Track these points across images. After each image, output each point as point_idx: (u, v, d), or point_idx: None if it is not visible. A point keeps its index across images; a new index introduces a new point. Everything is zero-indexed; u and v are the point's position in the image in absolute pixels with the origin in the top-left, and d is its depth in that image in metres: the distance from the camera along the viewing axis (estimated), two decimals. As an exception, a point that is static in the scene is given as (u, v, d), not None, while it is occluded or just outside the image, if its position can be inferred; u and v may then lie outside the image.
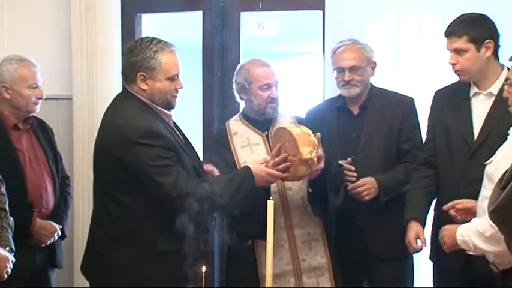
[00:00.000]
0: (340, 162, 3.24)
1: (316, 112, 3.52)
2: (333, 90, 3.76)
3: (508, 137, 2.57)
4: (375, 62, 3.43)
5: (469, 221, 2.66)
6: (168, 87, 2.81)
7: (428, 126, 3.23)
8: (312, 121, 3.33)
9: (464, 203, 2.81)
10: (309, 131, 2.91)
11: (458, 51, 2.94)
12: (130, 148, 2.68)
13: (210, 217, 3.05)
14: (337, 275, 3.25)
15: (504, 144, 2.56)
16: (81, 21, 4.03)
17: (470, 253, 2.63)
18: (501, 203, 1.75)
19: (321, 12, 3.91)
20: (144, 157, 2.68)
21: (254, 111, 3.29)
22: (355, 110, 3.42)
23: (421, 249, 3.09)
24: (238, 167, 3.16)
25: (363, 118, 3.38)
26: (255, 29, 4.74)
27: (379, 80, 3.55)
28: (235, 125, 3.33)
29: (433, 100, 3.23)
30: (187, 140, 2.99)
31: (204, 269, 2.22)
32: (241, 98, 3.33)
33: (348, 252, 3.34)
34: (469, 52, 2.92)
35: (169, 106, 2.87)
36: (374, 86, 3.46)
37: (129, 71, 2.82)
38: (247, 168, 2.89)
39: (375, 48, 3.54)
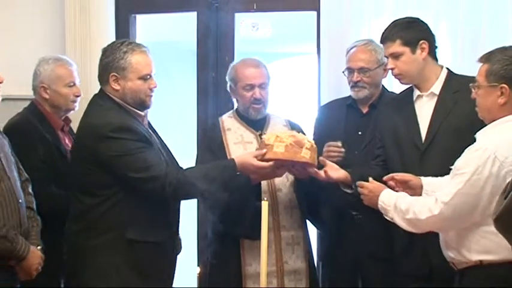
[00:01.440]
0: (329, 143, 3.26)
1: (327, 108, 3.60)
2: (328, 91, 3.77)
3: (474, 143, 2.54)
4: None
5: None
6: (140, 87, 2.87)
7: (377, 137, 3.20)
8: (321, 116, 3.51)
9: (404, 175, 2.85)
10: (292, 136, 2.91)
11: (394, 56, 2.98)
12: (103, 142, 2.74)
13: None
14: (314, 281, 3.27)
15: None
16: (75, 22, 4.04)
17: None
18: (503, 211, 1.77)
19: (315, 13, 3.92)
20: (115, 151, 2.74)
21: (242, 110, 3.31)
22: (364, 109, 3.44)
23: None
24: None
25: (370, 117, 3.39)
26: (250, 30, 4.74)
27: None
28: (229, 121, 3.32)
29: (378, 113, 3.25)
30: (164, 143, 3.03)
31: (198, 269, 2.23)
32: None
33: (342, 250, 3.34)
34: (404, 55, 2.96)
35: (144, 106, 2.91)
36: (386, 89, 3.47)
37: (103, 72, 2.90)
38: (231, 159, 2.92)
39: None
